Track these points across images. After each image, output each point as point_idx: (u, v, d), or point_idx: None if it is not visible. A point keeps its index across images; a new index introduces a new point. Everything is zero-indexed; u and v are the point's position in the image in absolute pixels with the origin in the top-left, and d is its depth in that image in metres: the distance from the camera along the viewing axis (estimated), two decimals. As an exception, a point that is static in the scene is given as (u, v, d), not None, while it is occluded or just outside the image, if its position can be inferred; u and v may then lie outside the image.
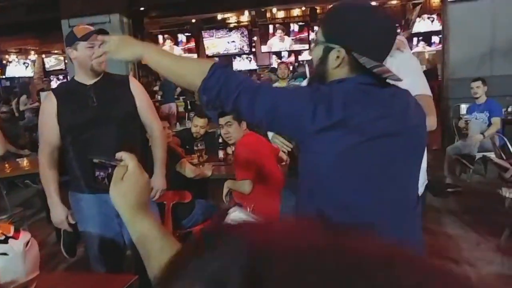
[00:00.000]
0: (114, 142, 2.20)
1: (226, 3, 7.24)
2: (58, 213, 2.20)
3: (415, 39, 11.01)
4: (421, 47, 11.28)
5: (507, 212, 3.37)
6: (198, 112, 4.30)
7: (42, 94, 9.04)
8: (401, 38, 1.88)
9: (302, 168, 1.20)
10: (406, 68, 1.73)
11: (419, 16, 9.89)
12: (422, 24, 10.65)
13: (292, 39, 10.15)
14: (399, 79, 1.12)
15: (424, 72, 7.28)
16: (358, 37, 1.10)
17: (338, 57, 1.11)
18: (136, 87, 2.36)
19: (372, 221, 1.09)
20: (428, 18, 10.56)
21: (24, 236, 1.62)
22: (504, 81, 5.25)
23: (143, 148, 2.47)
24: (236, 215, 0.70)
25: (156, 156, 2.41)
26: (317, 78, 1.19)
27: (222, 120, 3.09)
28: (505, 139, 4.29)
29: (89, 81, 2.22)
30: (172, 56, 1.23)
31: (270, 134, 2.24)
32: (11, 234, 1.58)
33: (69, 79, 2.91)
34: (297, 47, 10.24)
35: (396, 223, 1.13)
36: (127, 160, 0.87)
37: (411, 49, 10.35)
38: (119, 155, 0.88)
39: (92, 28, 2.22)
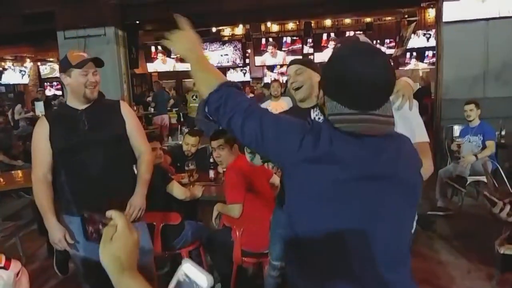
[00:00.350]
0: (105, 165, 2.24)
1: (221, 18, 7.27)
2: (56, 234, 2.20)
3: (408, 54, 11.11)
4: (414, 63, 11.38)
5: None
6: (189, 130, 4.28)
7: (37, 103, 9.02)
8: (408, 81, 1.86)
9: (286, 194, 1.21)
10: (405, 117, 1.74)
11: (414, 32, 9.97)
12: (418, 41, 10.73)
13: (284, 51, 10.18)
14: (374, 132, 1.10)
15: (418, 90, 7.35)
16: (327, 81, 1.14)
17: (321, 97, 1.18)
18: (126, 111, 2.39)
19: (354, 260, 1.11)
20: (424, 35, 10.64)
21: (15, 265, 1.61)
22: (497, 103, 5.27)
23: (132, 170, 2.46)
24: (187, 267, 0.72)
25: (140, 176, 2.40)
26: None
27: (214, 143, 3.08)
28: (497, 165, 4.29)
29: (81, 106, 2.26)
30: (201, 64, 1.28)
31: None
32: (2, 263, 1.56)
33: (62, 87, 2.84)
34: (290, 59, 10.27)
35: (384, 267, 1.12)
36: (117, 219, 0.88)
37: (405, 66, 10.37)
38: (109, 213, 0.90)
39: (86, 55, 2.23)
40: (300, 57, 10.00)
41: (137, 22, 6.82)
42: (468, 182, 4.42)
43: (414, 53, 11.10)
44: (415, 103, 1.84)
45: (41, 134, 2.21)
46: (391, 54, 10.96)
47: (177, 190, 3.13)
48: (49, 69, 14.34)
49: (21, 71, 13.58)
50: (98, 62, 2.21)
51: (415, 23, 8.92)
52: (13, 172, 4.97)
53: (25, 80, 13.74)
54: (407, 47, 10.09)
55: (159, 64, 10.47)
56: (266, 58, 10.30)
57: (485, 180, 4.07)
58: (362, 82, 1.06)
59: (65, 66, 2.18)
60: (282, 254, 2.33)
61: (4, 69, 13.27)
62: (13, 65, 13.48)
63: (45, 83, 14.30)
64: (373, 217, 1.10)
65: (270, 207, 2.91)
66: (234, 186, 2.84)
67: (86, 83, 2.17)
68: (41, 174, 2.21)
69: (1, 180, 4.39)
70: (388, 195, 1.11)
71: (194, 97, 9.34)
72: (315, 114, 2.06)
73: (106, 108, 2.33)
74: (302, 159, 1.08)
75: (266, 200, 2.94)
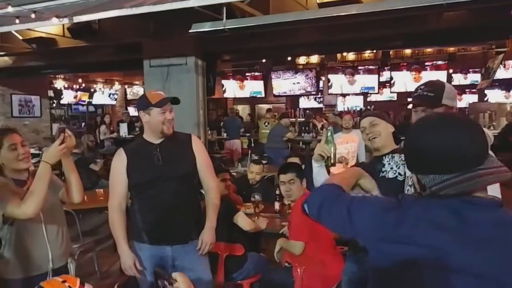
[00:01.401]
0: (175, 198, 2.36)
1: (297, 49, 7.36)
2: (127, 261, 2.34)
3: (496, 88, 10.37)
4: (502, 95, 10.58)
5: None
6: (253, 159, 4.38)
7: (121, 125, 9.73)
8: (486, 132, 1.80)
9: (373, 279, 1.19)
10: None
11: (501, 63, 9.30)
12: (506, 73, 9.96)
13: (360, 70, 10.07)
14: (492, 182, 1.02)
15: (506, 126, 6.69)
16: (415, 160, 1.11)
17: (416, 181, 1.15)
18: (197, 146, 2.50)
19: None
20: (515, 67, 9.85)
21: (88, 289, 1.71)
22: None
23: (199, 207, 2.58)
24: None
25: (209, 212, 2.51)
26: None
27: (284, 178, 3.09)
28: None
29: (156, 140, 2.39)
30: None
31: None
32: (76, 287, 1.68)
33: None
34: (367, 82, 10.04)
35: None
36: (180, 283, 0.95)
37: (489, 97, 9.60)
38: (174, 275, 0.97)
39: (163, 94, 2.38)
40: (376, 78, 9.86)
41: (216, 52, 7.14)
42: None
43: (503, 85, 10.34)
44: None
45: (119, 167, 2.37)
46: (476, 84, 10.30)
47: (243, 221, 3.18)
48: (134, 93, 15.54)
49: (110, 94, 14.85)
50: (175, 101, 2.35)
51: (503, 54, 8.33)
52: (96, 190, 5.37)
53: (114, 101, 15.02)
54: (494, 78, 9.42)
55: (236, 90, 10.89)
56: (343, 84, 10.20)
57: None
58: (450, 153, 1.02)
59: (145, 104, 2.33)
60: None
61: (95, 91, 14.59)
62: (103, 87, 14.78)
63: (131, 105, 15.48)
64: None
65: (332, 250, 2.85)
66: (298, 223, 2.82)
67: (164, 121, 2.31)
68: (117, 203, 2.37)
69: (85, 198, 4.75)
70: None
71: (266, 124, 9.52)
72: (386, 161, 2.07)
73: (179, 143, 2.45)
74: (381, 237, 1.06)
75: (329, 242, 2.88)
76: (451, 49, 10.01)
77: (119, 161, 2.39)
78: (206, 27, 5.39)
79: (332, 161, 2.09)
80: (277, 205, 3.78)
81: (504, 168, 1.04)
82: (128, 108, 14.58)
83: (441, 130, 1.04)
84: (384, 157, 2.08)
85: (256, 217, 3.55)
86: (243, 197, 4.02)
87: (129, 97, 15.68)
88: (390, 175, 2.00)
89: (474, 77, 10.59)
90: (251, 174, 4.18)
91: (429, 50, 10.49)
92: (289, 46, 6.98)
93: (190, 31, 5.46)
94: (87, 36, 6.71)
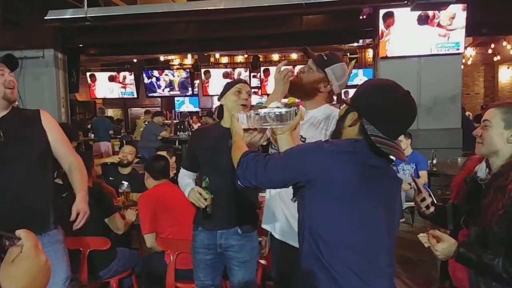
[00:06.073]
0: (23, 182, 2.02)
1: (167, 46, 7.23)
2: None
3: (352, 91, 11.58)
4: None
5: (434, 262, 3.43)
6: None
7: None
8: None
9: (308, 204, 1.37)
10: None
11: (355, 68, 10.49)
12: (360, 78, 11.24)
13: (233, 72, 10.31)
14: (400, 157, 1.31)
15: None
16: (371, 109, 1.31)
17: (352, 118, 1.35)
18: (48, 122, 2.20)
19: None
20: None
21: None
22: (429, 134, 5.58)
23: (55, 191, 2.27)
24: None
25: (76, 186, 2.18)
26: (334, 131, 1.46)
27: None
28: (429, 191, 4.47)
29: None
30: (237, 146, 1.52)
31: (187, 190, 2.19)
32: None
33: None
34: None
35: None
36: (24, 240, 0.79)
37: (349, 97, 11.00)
38: (18, 232, 0.81)
39: None
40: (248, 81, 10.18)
41: (80, 45, 6.62)
42: (404, 208, 4.56)
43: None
44: None
45: None
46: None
47: (116, 224, 2.98)
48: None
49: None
50: (10, 63, 2.06)
51: (355, 60, 9.39)
52: None
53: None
54: (349, 84, 10.55)
55: (106, 91, 10.22)
56: (219, 85, 10.35)
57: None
58: (410, 118, 1.32)
59: None
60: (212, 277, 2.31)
61: None
62: None
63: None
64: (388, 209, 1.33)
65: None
66: (142, 218, 2.87)
67: (4, 83, 2.00)
68: None
69: None
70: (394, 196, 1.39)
71: (146, 122, 9.13)
72: None
73: (25, 119, 2.14)
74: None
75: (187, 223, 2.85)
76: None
77: None
78: (66, 14, 4.96)
79: (209, 211, 2.09)
80: (148, 198, 3.60)
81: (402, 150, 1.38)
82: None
83: (407, 98, 1.32)
84: None
85: (124, 210, 3.33)
86: (110, 182, 3.78)
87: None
88: None
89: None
90: (122, 153, 4.01)
91: (294, 56, 11.33)
92: (159, 42, 6.81)
93: (46, 17, 4.96)
94: None
